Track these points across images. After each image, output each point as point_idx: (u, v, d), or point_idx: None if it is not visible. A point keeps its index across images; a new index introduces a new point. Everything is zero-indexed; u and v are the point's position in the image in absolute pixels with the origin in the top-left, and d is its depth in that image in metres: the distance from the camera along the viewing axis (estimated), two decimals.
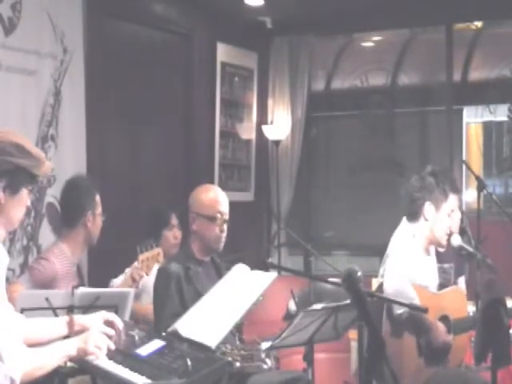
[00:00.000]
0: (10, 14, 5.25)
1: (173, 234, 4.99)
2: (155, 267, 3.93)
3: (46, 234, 5.43)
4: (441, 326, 3.78)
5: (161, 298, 3.82)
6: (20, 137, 2.61)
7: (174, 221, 5.01)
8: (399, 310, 3.65)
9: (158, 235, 4.85)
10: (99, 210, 4.11)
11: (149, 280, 4.11)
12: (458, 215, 4.32)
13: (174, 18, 7.05)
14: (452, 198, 4.00)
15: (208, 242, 3.93)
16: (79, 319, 2.80)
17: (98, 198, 4.11)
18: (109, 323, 2.81)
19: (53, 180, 5.51)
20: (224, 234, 3.94)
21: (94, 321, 2.80)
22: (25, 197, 2.62)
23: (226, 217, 3.94)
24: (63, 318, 2.81)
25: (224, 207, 3.94)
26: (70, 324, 2.77)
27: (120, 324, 2.82)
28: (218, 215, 3.91)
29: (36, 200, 5.35)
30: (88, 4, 5.89)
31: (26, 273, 4.05)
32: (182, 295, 3.76)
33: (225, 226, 3.93)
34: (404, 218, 4.05)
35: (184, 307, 3.62)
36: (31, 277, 3.90)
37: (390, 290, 3.69)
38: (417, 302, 3.59)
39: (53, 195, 5.46)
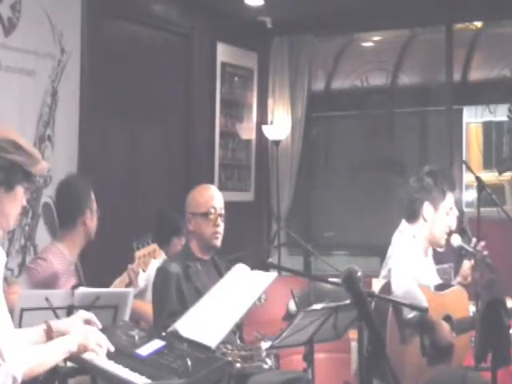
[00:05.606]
0: (9, 14, 5.26)
1: (181, 242, 4.96)
2: (153, 263, 3.91)
3: (43, 234, 5.44)
4: (446, 326, 3.78)
5: (160, 298, 3.82)
6: (16, 135, 2.57)
7: (184, 228, 4.95)
8: (410, 315, 3.64)
9: (167, 241, 4.83)
10: (95, 206, 4.06)
11: (152, 277, 4.10)
12: (455, 212, 4.31)
13: (174, 18, 7.05)
14: (449, 196, 4.01)
15: (205, 239, 3.92)
16: (57, 325, 2.70)
17: (92, 194, 4.07)
18: (88, 322, 2.74)
19: (49, 180, 5.50)
20: (219, 229, 3.93)
21: (74, 323, 2.71)
22: (20, 194, 2.57)
23: (221, 211, 3.94)
24: (41, 326, 2.69)
25: (217, 202, 3.94)
26: (48, 331, 2.67)
27: (98, 322, 2.76)
28: (212, 210, 3.91)
29: (33, 200, 5.35)
30: (87, 4, 5.89)
31: (24, 273, 4.02)
32: (181, 294, 3.76)
33: (220, 221, 3.93)
34: (403, 220, 4.04)
35: (184, 305, 3.63)
36: (29, 277, 3.86)
37: (399, 292, 3.66)
38: (425, 303, 3.57)
39: (49, 195, 5.45)
